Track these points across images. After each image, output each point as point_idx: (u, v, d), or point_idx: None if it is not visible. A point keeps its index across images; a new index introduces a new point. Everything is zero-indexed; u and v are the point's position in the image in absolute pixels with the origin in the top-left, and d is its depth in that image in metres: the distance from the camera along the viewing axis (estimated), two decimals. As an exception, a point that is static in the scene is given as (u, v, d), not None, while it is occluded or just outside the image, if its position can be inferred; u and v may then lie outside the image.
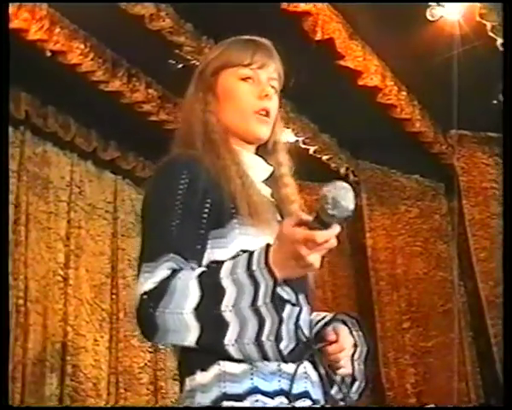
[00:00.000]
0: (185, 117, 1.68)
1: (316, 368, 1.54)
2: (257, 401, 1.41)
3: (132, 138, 5.32)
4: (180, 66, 4.40)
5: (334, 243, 1.32)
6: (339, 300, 6.20)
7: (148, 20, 3.98)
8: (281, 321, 1.35)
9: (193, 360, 1.46)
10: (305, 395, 1.49)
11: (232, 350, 1.37)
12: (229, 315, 1.36)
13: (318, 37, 4.05)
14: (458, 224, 5.76)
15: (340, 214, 1.26)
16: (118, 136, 5.44)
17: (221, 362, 1.43)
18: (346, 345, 1.59)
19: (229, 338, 1.36)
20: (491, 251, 5.52)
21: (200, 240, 1.47)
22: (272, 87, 1.67)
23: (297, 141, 5.32)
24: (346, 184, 1.28)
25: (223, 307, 1.36)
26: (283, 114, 4.76)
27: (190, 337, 1.37)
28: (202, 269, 1.43)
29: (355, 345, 1.64)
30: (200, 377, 1.44)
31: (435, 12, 4.11)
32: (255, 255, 1.38)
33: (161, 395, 5.62)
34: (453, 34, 4.24)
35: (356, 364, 1.65)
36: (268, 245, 1.37)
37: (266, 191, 1.65)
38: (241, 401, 1.41)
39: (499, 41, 4.01)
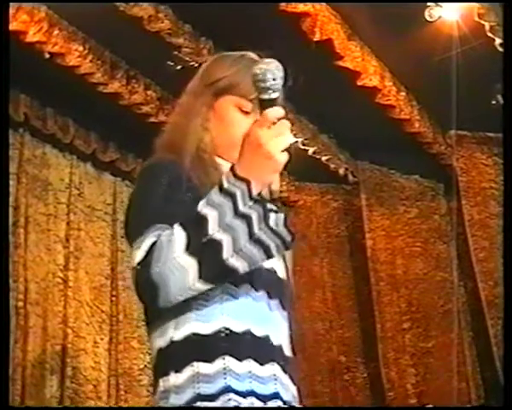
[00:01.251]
0: (180, 125, 1.67)
1: (285, 371, 1.56)
2: (230, 399, 1.43)
3: (131, 140, 5.32)
4: (179, 67, 4.40)
5: (286, 122, 1.38)
6: (338, 301, 6.20)
7: (146, 22, 3.98)
8: (265, 208, 1.39)
9: (167, 361, 1.48)
10: (276, 396, 1.51)
11: (235, 262, 1.38)
12: (218, 235, 1.37)
13: (317, 37, 4.05)
14: (458, 224, 5.76)
15: (272, 82, 1.37)
16: (117, 137, 5.44)
17: (195, 363, 1.45)
18: None
19: (227, 252, 1.37)
20: (490, 251, 5.53)
21: (184, 216, 1.46)
22: None
23: (296, 142, 5.32)
24: (268, 59, 1.40)
25: (210, 232, 1.37)
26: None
27: (191, 276, 1.37)
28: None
29: None
30: (174, 379, 1.45)
31: (434, 12, 4.12)
32: (223, 177, 1.40)
33: (161, 397, 5.61)
34: (451, 34, 4.24)
35: None
36: (232, 165, 1.40)
37: None
38: (213, 400, 1.43)
39: (498, 41, 4.01)
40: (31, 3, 3.92)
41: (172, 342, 1.48)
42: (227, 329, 1.48)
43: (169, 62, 4.39)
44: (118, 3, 3.85)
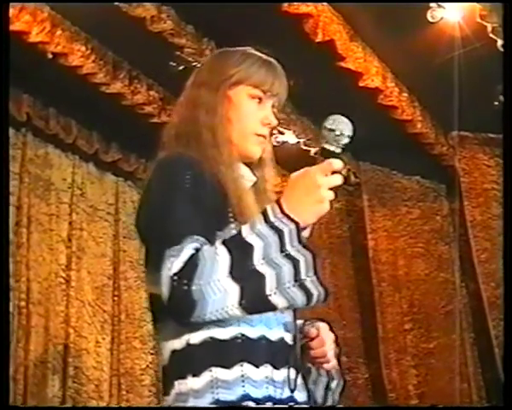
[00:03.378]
0: (195, 118, 1.64)
1: (298, 372, 1.56)
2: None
3: (134, 140, 5.32)
4: (181, 68, 4.41)
5: (341, 178, 1.43)
6: (340, 301, 6.20)
7: (149, 22, 3.99)
8: (314, 256, 1.39)
9: (183, 364, 1.47)
10: (291, 399, 1.52)
11: (276, 299, 1.37)
12: (262, 268, 1.37)
13: (319, 38, 4.05)
14: (459, 225, 5.76)
15: (339, 136, 1.48)
16: (119, 138, 5.45)
17: (213, 368, 1.44)
18: (327, 340, 1.66)
19: (270, 288, 1.37)
20: (492, 252, 5.52)
21: (219, 225, 1.48)
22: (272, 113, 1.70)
23: (298, 142, 5.32)
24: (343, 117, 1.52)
25: (255, 262, 1.37)
26: (284, 115, 4.77)
27: (231, 300, 1.36)
28: (223, 238, 1.43)
29: (336, 342, 1.70)
30: (192, 383, 1.45)
31: (436, 13, 4.12)
32: (268, 210, 1.41)
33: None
34: (454, 36, 4.25)
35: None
36: (277, 200, 1.42)
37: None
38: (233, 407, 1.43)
39: (500, 42, 4.01)
40: (33, 3, 3.93)
41: (189, 345, 1.47)
42: (243, 335, 1.48)
43: (171, 63, 4.40)
44: (120, 4, 3.86)
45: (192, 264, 1.37)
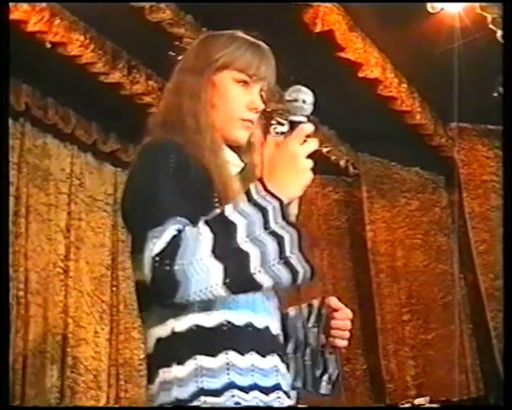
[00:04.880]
0: (181, 104, 1.64)
1: (283, 361, 1.57)
2: (233, 396, 1.43)
3: (132, 130, 5.29)
4: (180, 58, 4.39)
5: (316, 141, 1.47)
6: (338, 292, 6.20)
7: (148, 12, 3.98)
8: (299, 233, 1.38)
9: (168, 352, 1.47)
10: (278, 387, 1.52)
11: (261, 277, 1.36)
12: (246, 246, 1.35)
13: (318, 29, 4.05)
14: (458, 216, 5.76)
15: (302, 104, 1.51)
16: (118, 128, 5.43)
17: (197, 356, 1.44)
18: (349, 314, 1.70)
19: (254, 266, 1.35)
20: (491, 244, 5.53)
21: (204, 210, 1.46)
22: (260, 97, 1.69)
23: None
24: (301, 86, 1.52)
25: (239, 240, 1.35)
26: (282, 106, 4.77)
27: (215, 279, 1.34)
28: (206, 217, 1.41)
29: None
30: (177, 371, 1.44)
31: (436, 4, 4.11)
32: (251, 188, 1.39)
33: (161, 387, 5.62)
34: (454, 26, 4.24)
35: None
36: (259, 178, 1.41)
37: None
38: (218, 396, 1.42)
39: (499, 33, 4.00)
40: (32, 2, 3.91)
41: (174, 333, 1.47)
42: (229, 322, 1.47)
43: (170, 53, 4.39)
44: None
45: (174, 244, 1.35)
